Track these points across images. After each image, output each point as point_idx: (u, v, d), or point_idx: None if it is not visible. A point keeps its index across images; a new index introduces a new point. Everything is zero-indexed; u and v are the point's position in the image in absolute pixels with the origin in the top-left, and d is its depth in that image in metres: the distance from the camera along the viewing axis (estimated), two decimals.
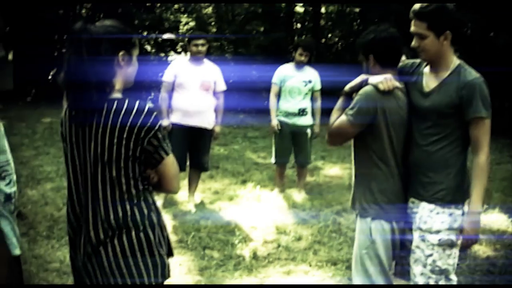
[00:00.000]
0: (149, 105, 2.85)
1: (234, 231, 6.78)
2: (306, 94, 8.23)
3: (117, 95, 2.89)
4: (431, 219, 3.63)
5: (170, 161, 2.94)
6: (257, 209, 7.79)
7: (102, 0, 19.39)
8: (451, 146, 3.63)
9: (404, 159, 3.78)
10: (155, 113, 2.83)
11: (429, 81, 3.74)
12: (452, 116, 3.59)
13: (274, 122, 8.26)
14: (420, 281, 3.66)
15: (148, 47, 21.84)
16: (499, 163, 12.03)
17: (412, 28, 3.67)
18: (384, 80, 3.67)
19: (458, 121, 3.59)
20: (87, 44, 2.78)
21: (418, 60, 3.90)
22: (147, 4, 21.50)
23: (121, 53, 2.88)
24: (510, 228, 7.27)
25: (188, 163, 7.77)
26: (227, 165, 10.50)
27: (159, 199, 7.55)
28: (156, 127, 2.82)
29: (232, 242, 6.44)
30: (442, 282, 3.62)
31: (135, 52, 3.00)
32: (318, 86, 8.34)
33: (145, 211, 2.91)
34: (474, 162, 3.53)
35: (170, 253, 3.10)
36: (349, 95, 3.92)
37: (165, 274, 2.99)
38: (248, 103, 14.58)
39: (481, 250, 6.30)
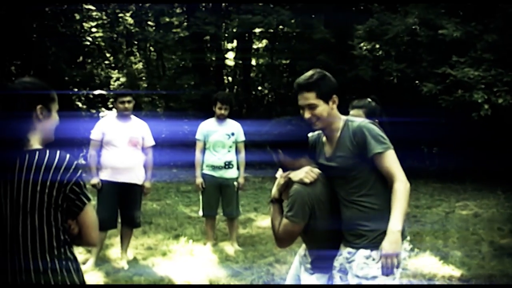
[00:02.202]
0: (68, 155, 2.91)
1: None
2: (231, 147, 8.37)
3: (38, 146, 2.94)
4: (367, 266, 3.69)
5: (90, 210, 3.00)
6: (190, 264, 7.76)
7: (30, 58, 19.24)
8: (375, 190, 3.74)
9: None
10: (75, 162, 2.90)
11: (328, 147, 3.92)
12: (360, 165, 3.72)
13: (199, 180, 8.37)
14: None
15: (79, 103, 21.71)
16: (430, 207, 12.33)
17: (301, 101, 3.82)
18: (306, 173, 3.80)
19: (367, 166, 3.72)
20: (2, 100, 2.85)
21: (315, 134, 4.08)
22: (78, 61, 21.45)
23: (39, 107, 2.94)
24: (441, 272, 7.43)
25: (119, 219, 7.72)
26: (160, 220, 10.46)
27: (91, 257, 7.49)
28: (78, 174, 2.89)
29: None
30: None
31: (55, 107, 3.06)
32: (241, 138, 8.48)
33: (65, 266, 2.91)
34: (392, 190, 3.60)
35: None
36: (279, 200, 4.05)
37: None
38: (180, 158, 14.58)
39: None
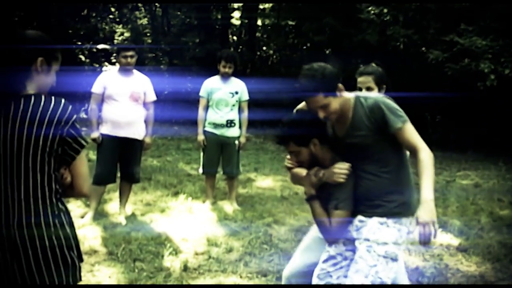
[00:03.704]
0: (64, 100, 2.91)
1: (164, 243, 6.73)
2: (234, 105, 8.31)
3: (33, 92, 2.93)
4: (380, 231, 3.67)
5: (84, 158, 3.00)
6: (189, 221, 7.77)
7: (34, 9, 19.06)
8: (393, 163, 3.72)
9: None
10: (71, 107, 2.90)
11: (339, 125, 3.86)
12: (380, 140, 3.69)
13: (201, 137, 8.36)
14: None
15: (82, 57, 21.60)
16: None
17: (311, 106, 3.74)
18: (337, 173, 3.77)
19: (387, 140, 3.68)
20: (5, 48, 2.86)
21: None
22: (82, 14, 21.27)
23: (40, 59, 2.92)
24: (439, 239, 7.41)
25: (118, 174, 7.69)
26: (159, 177, 10.45)
27: (89, 212, 7.49)
28: (74, 117, 2.89)
29: (163, 254, 6.38)
30: None
31: (55, 65, 3.05)
32: (245, 97, 8.43)
33: (58, 218, 2.91)
34: (417, 161, 3.56)
35: (80, 258, 3.07)
36: (316, 196, 3.99)
37: (76, 276, 2.99)
38: (182, 115, 14.52)
39: (410, 260, 6.39)
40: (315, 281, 4.00)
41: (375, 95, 3.80)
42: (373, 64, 5.19)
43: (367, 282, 3.62)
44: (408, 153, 3.87)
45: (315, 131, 3.86)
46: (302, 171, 4.04)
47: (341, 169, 3.77)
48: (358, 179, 3.80)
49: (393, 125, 3.59)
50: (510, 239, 7.60)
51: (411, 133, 3.61)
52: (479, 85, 14.71)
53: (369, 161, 3.76)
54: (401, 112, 3.65)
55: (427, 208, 3.39)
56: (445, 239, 7.46)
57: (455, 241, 7.38)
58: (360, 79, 5.03)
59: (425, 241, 3.49)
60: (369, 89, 4.89)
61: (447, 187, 11.22)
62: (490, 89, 14.87)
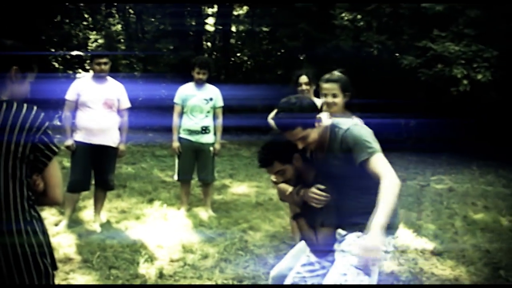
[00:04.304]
0: (36, 107, 2.91)
1: (140, 251, 6.70)
2: (208, 112, 8.33)
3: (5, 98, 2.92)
4: (356, 243, 3.67)
5: (56, 165, 3.00)
6: (164, 228, 7.74)
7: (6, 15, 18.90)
8: (372, 190, 3.59)
9: None
10: (43, 114, 2.90)
11: (318, 150, 3.93)
12: (354, 168, 3.68)
13: (175, 144, 8.37)
14: None
15: (56, 64, 21.47)
16: (405, 180, 12.37)
17: (290, 137, 3.81)
18: (313, 198, 3.86)
19: (361, 169, 3.67)
20: None
21: None
22: (55, 20, 21.14)
23: (14, 68, 2.93)
24: (414, 244, 7.47)
25: (93, 182, 7.65)
26: (134, 184, 10.40)
27: (64, 219, 7.45)
28: (46, 124, 2.89)
29: (138, 261, 6.35)
30: None
31: (31, 76, 3.06)
32: (219, 103, 8.44)
33: (30, 226, 2.90)
34: (380, 189, 3.53)
35: (54, 266, 3.07)
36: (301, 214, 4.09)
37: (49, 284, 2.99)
38: (157, 121, 14.51)
39: (386, 265, 6.40)
40: (289, 281, 4.05)
41: (350, 123, 3.79)
42: (337, 72, 5.26)
43: None
44: None
45: (295, 149, 3.91)
46: (288, 188, 4.13)
47: (317, 194, 3.85)
48: (340, 197, 3.84)
49: (358, 158, 3.61)
50: (484, 243, 7.68)
51: (376, 164, 3.58)
52: (452, 91, 14.85)
53: (348, 186, 3.79)
54: (370, 143, 3.64)
55: (372, 235, 3.37)
56: (420, 243, 7.52)
57: (430, 245, 7.43)
58: (326, 86, 5.17)
59: (363, 267, 3.56)
60: (334, 96, 5.08)
61: (421, 191, 11.30)
62: (463, 94, 15.01)
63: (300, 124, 3.72)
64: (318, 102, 5.53)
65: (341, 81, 5.12)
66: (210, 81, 8.55)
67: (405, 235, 7.81)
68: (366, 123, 4.13)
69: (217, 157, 8.94)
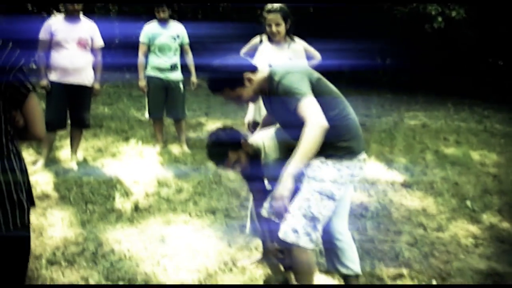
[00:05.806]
0: (11, 43, 2.88)
1: (116, 186, 6.84)
2: (176, 49, 8.43)
3: None
4: (319, 169, 3.77)
5: (35, 98, 2.95)
6: (139, 165, 7.88)
7: None
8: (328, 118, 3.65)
9: None
10: (18, 52, 2.86)
11: (265, 97, 4.09)
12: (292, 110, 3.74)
13: (142, 83, 8.50)
14: (289, 222, 3.73)
15: (29, 6, 21.18)
16: (380, 117, 12.55)
17: (225, 98, 4.00)
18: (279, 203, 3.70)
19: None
20: None
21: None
22: None
23: None
24: (384, 177, 7.65)
25: (69, 121, 7.72)
26: (111, 124, 10.48)
27: (41, 158, 7.52)
28: (21, 62, 2.86)
29: (114, 196, 6.49)
30: (309, 229, 3.72)
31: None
32: (186, 40, 8.55)
33: (5, 152, 2.89)
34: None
35: (31, 202, 3.07)
36: None
37: (24, 218, 2.97)
38: (134, 61, 14.49)
39: (355, 196, 6.54)
40: (264, 213, 4.16)
41: (282, 72, 3.83)
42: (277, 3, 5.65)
43: (299, 213, 3.73)
44: (344, 100, 3.97)
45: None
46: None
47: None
48: (297, 130, 3.79)
49: (291, 108, 3.64)
50: (453, 176, 7.88)
51: (301, 109, 3.60)
52: (427, 27, 14.92)
53: (299, 120, 3.68)
54: (297, 89, 3.66)
55: (283, 184, 3.50)
56: (390, 176, 7.71)
57: (400, 178, 7.63)
58: (269, 17, 5.58)
59: (275, 215, 3.76)
60: (278, 25, 5.54)
61: (395, 127, 11.48)
62: (438, 31, 15.09)
63: (227, 85, 3.87)
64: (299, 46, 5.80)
65: (282, 11, 5.55)
66: (186, 20, 8.56)
67: (376, 168, 8.00)
68: (342, 64, 4.18)
69: (195, 94, 9.02)
